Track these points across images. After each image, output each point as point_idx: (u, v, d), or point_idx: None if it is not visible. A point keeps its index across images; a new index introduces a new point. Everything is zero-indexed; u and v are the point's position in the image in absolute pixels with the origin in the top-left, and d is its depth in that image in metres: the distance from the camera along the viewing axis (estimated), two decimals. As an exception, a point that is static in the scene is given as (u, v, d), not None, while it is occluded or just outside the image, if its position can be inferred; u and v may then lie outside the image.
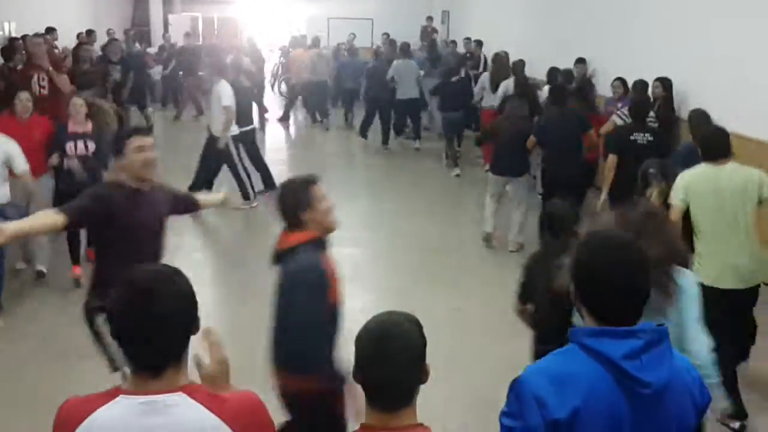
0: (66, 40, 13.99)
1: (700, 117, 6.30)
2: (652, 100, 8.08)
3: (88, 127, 6.56)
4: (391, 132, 13.11)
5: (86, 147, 6.45)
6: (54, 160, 6.48)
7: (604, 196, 6.52)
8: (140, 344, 1.80)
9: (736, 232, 4.40)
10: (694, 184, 4.49)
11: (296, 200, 3.19)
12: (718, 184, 4.46)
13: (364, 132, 13.29)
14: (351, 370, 1.96)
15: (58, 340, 5.47)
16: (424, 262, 7.41)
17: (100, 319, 3.61)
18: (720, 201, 4.41)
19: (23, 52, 9.27)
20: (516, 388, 1.96)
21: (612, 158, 6.60)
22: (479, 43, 14.83)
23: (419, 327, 1.98)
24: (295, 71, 15.21)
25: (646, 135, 6.62)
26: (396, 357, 1.87)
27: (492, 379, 4.80)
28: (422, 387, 1.97)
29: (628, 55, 9.42)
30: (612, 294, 1.96)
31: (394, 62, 12.67)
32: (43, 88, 8.69)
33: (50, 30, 13.34)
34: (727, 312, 4.23)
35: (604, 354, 1.91)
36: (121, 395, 1.81)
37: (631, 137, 6.62)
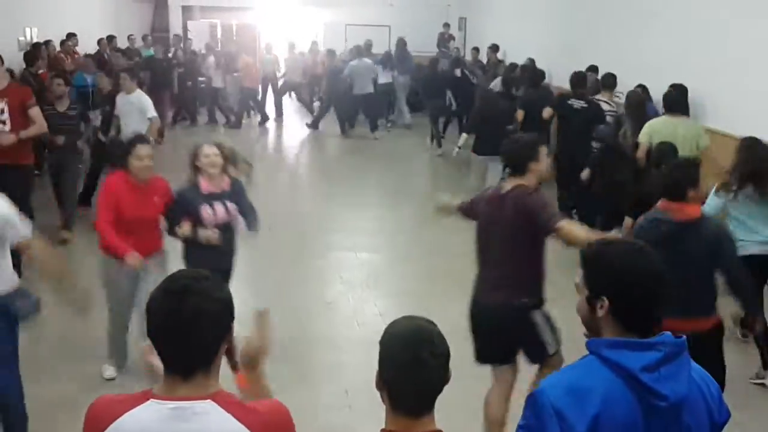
0: (87, 46, 14.13)
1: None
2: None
3: (226, 182, 4.84)
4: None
5: (227, 210, 4.79)
6: (186, 230, 4.67)
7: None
8: (171, 344, 1.80)
9: None
10: (656, 129, 6.55)
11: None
12: (675, 131, 6.43)
13: (315, 124, 15.23)
14: (376, 376, 1.93)
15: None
16: (442, 266, 7.40)
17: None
18: (674, 143, 5.84)
19: (45, 57, 9.38)
20: (534, 401, 1.94)
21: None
22: (494, 48, 14.94)
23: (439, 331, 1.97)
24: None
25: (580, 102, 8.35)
26: (430, 362, 1.86)
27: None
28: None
29: (643, 62, 9.38)
30: (647, 303, 1.95)
31: (350, 62, 14.55)
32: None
33: (71, 36, 13.50)
34: None
35: (623, 366, 1.89)
36: (151, 399, 1.81)
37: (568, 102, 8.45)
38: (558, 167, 8.25)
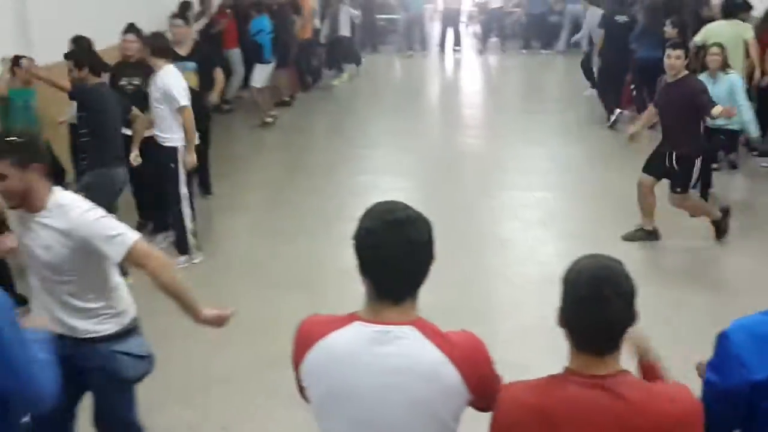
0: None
1: None
2: None
3: None
4: None
5: None
6: None
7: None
8: (385, 272, 1.89)
9: (735, 57, 7.70)
10: (710, 31, 8.15)
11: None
12: (723, 32, 7.96)
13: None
14: (558, 313, 1.91)
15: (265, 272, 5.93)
16: (615, 208, 7.13)
17: None
18: (723, 39, 7.46)
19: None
20: (720, 343, 1.90)
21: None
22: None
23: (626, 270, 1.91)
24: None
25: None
26: (613, 299, 1.82)
27: (690, 331, 4.61)
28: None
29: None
30: None
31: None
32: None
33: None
34: None
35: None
36: (357, 321, 1.93)
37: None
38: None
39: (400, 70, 15.94)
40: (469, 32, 18.82)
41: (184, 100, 5.83)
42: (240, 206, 6.95)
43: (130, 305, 3.14)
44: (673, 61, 5.93)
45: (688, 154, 6.02)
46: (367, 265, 1.91)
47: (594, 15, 11.15)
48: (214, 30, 10.65)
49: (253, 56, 10.46)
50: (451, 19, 16.66)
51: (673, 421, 1.78)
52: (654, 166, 6.20)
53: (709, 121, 6.63)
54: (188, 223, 6.04)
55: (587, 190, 7.80)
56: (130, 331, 3.10)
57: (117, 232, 2.87)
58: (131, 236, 2.90)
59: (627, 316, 1.85)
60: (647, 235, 6.34)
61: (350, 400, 1.92)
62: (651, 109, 6.51)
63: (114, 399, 3.15)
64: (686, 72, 5.98)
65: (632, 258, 5.53)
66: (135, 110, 5.86)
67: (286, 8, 11.36)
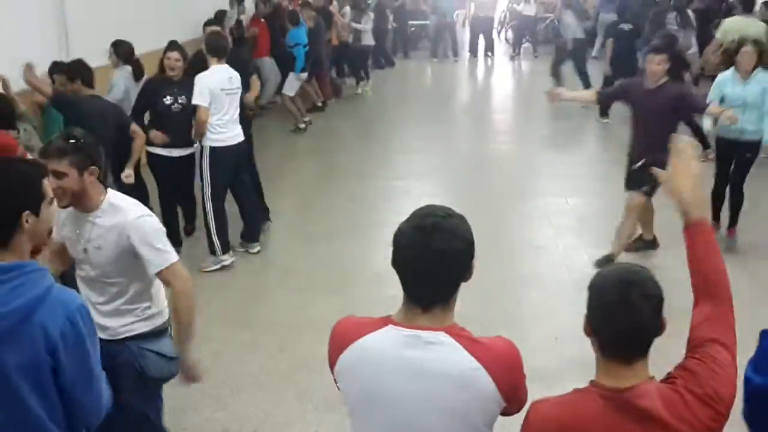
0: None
1: None
2: None
3: None
4: None
5: None
6: None
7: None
8: (416, 279, 1.89)
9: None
10: (728, 26, 8.83)
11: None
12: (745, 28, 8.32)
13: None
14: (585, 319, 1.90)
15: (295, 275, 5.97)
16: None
17: None
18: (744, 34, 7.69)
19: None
20: (763, 340, 1.86)
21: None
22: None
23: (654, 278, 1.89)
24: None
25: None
26: (640, 304, 1.80)
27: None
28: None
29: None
30: None
31: None
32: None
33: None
34: None
35: None
36: (390, 325, 1.93)
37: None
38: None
39: (431, 76, 15.94)
40: (501, 38, 18.80)
41: (198, 99, 5.83)
42: (273, 210, 7.00)
43: (165, 307, 3.18)
44: (655, 67, 5.55)
45: (664, 162, 5.51)
46: (396, 267, 1.92)
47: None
48: (246, 34, 10.76)
49: (287, 66, 10.58)
50: (482, 25, 16.65)
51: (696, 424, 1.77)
52: (637, 180, 5.71)
53: (723, 131, 6.19)
54: (212, 224, 6.03)
55: (619, 196, 7.71)
56: (162, 332, 3.14)
57: (163, 247, 2.95)
58: (173, 257, 2.97)
59: (655, 322, 1.83)
60: (646, 244, 6.17)
61: (383, 403, 1.93)
62: (593, 94, 6.53)
63: (139, 400, 3.11)
64: (666, 78, 5.62)
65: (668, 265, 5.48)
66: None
67: (320, 21, 11.42)
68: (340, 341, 2.00)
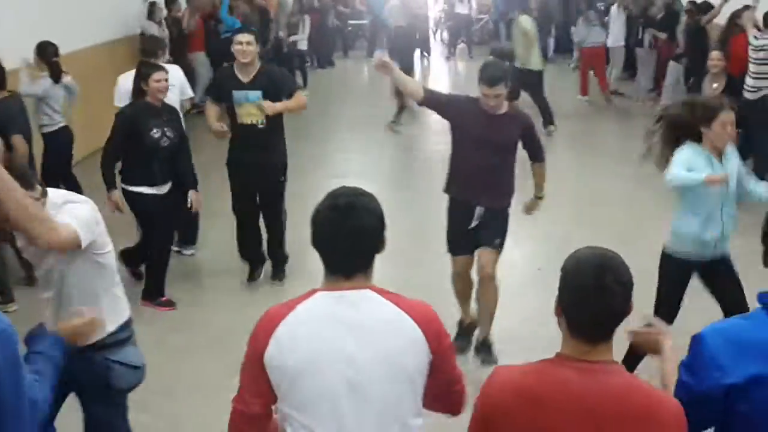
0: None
1: None
2: None
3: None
4: None
5: None
6: None
7: None
8: (335, 252, 2.05)
9: None
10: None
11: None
12: None
13: None
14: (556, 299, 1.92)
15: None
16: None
17: None
18: None
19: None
20: (696, 344, 1.91)
21: None
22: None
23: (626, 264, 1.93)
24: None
25: None
26: (612, 288, 1.83)
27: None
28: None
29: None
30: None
31: None
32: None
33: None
34: None
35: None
36: (318, 292, 2.07)
37: None
38: None
39: (367, 75, 15.95)
40: (436, 38, 18.94)
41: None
42: (210, 211, 6.89)
43: (127, 315, 3.17)
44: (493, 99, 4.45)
45: (504, 205, 4.65)
46: (316, 246, 2.07)
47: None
48: (184, 32, 10.57)
49: (220, 63, 10.39)
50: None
51: (657, 416, 1.80)
52: (464, 243, 4.64)
53: (691, 245, 4.11)
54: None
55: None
56: (125, 340, 3.14)
57: (74, 220, 2.83)
58: (74, 227, 2.82)
59: (625, 306, 1.86)
60: (465, 330, 4.79)
61: (330, 360, 1.99)
62: (419, 92, 4.82)
63: (105, 409, 3.14)
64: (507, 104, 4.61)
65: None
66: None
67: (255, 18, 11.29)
68: (268, 323, 2.05)
